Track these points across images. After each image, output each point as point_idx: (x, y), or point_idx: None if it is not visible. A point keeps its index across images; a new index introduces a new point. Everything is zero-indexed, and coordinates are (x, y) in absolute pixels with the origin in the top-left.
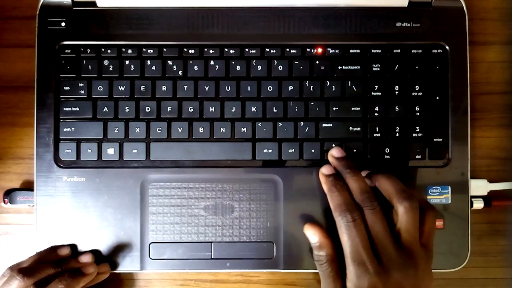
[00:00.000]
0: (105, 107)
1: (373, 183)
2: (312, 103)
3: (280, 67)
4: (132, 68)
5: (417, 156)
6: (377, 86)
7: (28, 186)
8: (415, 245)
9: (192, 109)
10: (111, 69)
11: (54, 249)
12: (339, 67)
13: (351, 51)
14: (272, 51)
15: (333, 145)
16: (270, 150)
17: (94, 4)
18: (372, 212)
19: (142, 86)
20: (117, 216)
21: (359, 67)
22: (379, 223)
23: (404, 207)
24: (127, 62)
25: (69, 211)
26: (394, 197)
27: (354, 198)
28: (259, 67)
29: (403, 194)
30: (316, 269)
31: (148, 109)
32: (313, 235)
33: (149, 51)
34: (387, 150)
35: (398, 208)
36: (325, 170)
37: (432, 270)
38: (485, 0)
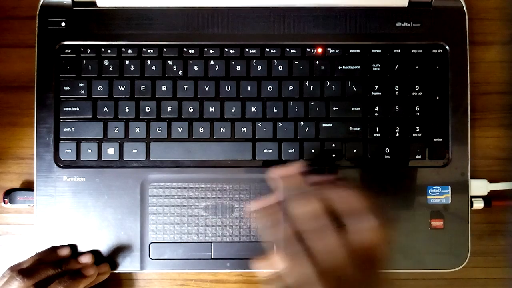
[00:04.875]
0: (105, 107)
1: (326, 196)
2: (312, 103)
3: (280, 67)
4: (132, 68)
5: (417, 156)
6: (377, 86)
7: (28, 186)
8: (366, 261)
9: (192, 109)
10: (111, 69)
11: (54, 249)
12: (339, 67)
13: (351, 51)
14: (272, 51)
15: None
16: (270, 150)
17: (94, 4)
18: (321, 237)
19: (142, 86)
20: (117, 216)
21: (359, 67)
22: (330, 246)
23: (355, 227)
24: (127, 62)
25: (69, 211)
26: (345, 216)
27: (300, 224)
28: (259, 67)
29: (355, 214)
30: None
31: (148, 109)
32: (278, 262)
33: (149, 51)
34: (387, 150)
35: (349, 227)
36: (253, 207)
37: (432, 270)
38: (485, 0)
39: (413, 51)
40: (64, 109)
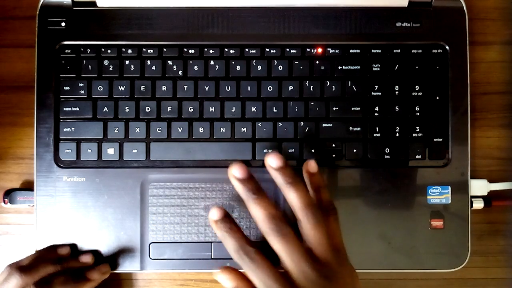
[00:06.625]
0: (105, 107)
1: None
2: (312, 103)
3: (280, 67)
4: (132, 68)
5: (417, 156)
6: (377, 86)
7: (28, 186)
8: (328, 255)
9: (192, 109)
10: (111, 69)
11: (53, 248)
12: (339, 67)
13: (351, 51)
14: (272, 51)
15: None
16: (270, 150)
17: (94, 4)
18: (281, 240)
19: (142, 86)
20: (117, 216)
21: (359, 67)
22: (290, 248)
23: (309, 223)
24: (127, 62)
25: (69, 211)
26: (298, 212)
27: (258, 226)
28: (259, 67)
29: (306, 210)
30: None
31: (148, 109)
32: (227, 280)
33: (149, 51)
34: (387, 150)
35: (303, 223)
36: (212, 215)
37: (432, 270)
38: (485, 0)
39: (413, 51)
40: (64, 109)
